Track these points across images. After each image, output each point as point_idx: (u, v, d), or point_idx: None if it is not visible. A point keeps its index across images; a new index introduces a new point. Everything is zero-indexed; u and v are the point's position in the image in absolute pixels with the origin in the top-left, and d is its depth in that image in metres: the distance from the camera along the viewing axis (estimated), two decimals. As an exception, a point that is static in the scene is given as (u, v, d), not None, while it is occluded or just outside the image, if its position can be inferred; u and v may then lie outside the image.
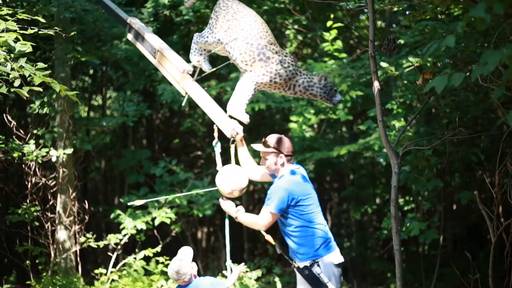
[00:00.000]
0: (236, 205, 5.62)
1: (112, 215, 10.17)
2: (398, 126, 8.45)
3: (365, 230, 12.14)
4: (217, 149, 5.92)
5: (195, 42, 6.24)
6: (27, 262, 9.58)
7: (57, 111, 9.92)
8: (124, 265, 9.76)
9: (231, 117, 5.83)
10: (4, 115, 9.60)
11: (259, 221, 5.43)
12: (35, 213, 9.64)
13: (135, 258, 9.80)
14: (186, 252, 5.55)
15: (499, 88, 3.90)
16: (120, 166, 11.49)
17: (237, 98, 5.83)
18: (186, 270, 5.44)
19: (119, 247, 9.99)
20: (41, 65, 5.89)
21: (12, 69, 5.80)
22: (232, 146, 5.86)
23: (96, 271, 9.60)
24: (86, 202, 10.14)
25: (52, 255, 9.87)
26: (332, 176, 12.54)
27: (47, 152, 9.52)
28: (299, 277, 5.47)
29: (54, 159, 9.57)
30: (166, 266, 9.68)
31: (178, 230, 10.42)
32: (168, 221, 9.68)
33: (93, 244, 9.67)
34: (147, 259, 9.42)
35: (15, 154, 9.23)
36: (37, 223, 9.82)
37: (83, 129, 10.65)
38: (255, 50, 5.74)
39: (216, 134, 5.95)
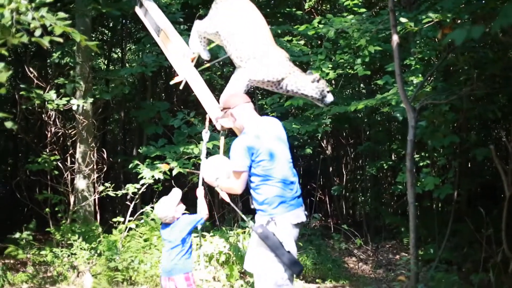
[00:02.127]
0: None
1: (130, 165, 10.28)
2: (416, 82, 8.44)
3: (380, 185, 12.23)
4: (205, 138, 6.05)
5: (195, 29, 6.25)
6: (47, 210, 9.75)
7: (78, 61, 10.00)
8: (141, 214, 9.88)
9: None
10: (24, 65, 9.70)
11: (234, 185, 5.44)
12: (54, 162, 9.78)
13: (152, 207, 9.93)
14: (170, 195, 5.83)
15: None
16: (139, 117, 11.59)
17: (229, 92, 5.88)
18: (167, 212, 5.77)
19: (136, 196, 10.11)
20: (61, 15, 5.89)
21: (33, 18, 5.84)
22: (222, 138, 6.01)
23: (114, 219, 9.74)
24: (104, 151, 10.27)
25: (71, 203, 10.03)
26: (349, 131, 12.59)
27: (68, 101, 9.61)
28: (254, 235, 5.38)
29: (74, 107, 9.66)
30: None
31: (195, 180, 10.52)
32: (185, 171, 9.77)
33: (111, 193, 9.80)
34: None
35: (37, 101, 9.33)
36: (56, 172, 9.97)
37: (103, 80, 10.72)
38: (250, 47, 5.77)
39: (207, 123, 6.06)
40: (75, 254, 8.75)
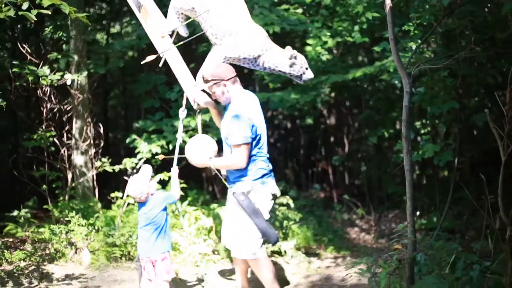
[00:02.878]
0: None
1: (127, 140, 10.17)
2: (415, 48, 8.28)
3: (382, 155, 12.07)
4: (181, 116, 6.05)
5: (172, 5, 6.14)
6: (44, 186, 9.64)
7: (71, 36, 9.84)
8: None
9: (203, 90, 5.92)
10: (17, 41, 9.54)
11: (238, 160, 5.43)
12: (50, 139, 9.65)
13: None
14: (141, 172, 5.80)
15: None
16: (136, 91, 11.45)
17: (205, 71, 5.82)
18: (141, 189, 5.71)
19: (134, 171, 10.00)
20: None
21: None
22: (199, 117, 6.01)
23: (113, 194, 9.65)
24: (101, 126, 10.14)
25: (69, 179, 9.92)
26: (350, 101, 12.41)
27: (62, 76, 9.46)
28: (233, 201, 5.55)
29: (69, 82, 9.49)
30: (181, 189, 9.69)
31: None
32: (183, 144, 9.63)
33: (108, 169, 9.69)
34: (162, 183, 9.41)
35: (30, 77, 9.18)
36: (53, 149, 9.85)
37: (102, 54, 10.55)
38: (225, 24, 5.67)
39: (184, 102, 5.96)
40: (72, 230, 8.65)
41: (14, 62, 9.19)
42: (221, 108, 5.97)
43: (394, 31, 5.68)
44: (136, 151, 9.83)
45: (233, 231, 5.65)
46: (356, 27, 9.58)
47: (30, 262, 8.11)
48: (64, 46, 9.97)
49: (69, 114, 10.06)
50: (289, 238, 8.61)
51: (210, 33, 5.80)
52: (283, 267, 8.00)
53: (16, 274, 7.63)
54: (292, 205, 8.94)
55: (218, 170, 5.67)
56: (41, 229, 8.93)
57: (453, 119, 8.56)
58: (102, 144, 10.18)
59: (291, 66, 5.64)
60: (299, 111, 12.56)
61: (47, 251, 8.49)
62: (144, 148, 9.66)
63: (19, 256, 8.09)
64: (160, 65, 6.24)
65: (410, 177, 5.77)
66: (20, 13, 5.72)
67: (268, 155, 5.63)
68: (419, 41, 8.37)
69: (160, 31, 6.12)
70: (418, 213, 9.61)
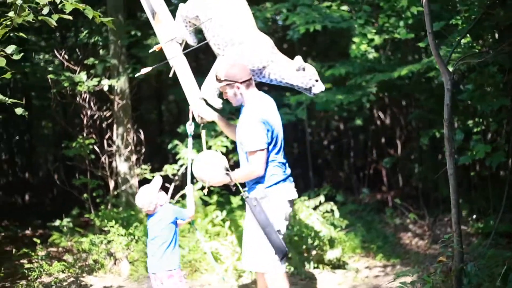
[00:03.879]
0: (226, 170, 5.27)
1: (169, 146, 9.93)
2: (464, 42, 7.79)
3: (436, 156, 11.54)
4: (189, 130, 5.67)
5: (179, 13, 5.88)
6: (85, 195, 9.48)
7: (109, 40, 9.66)
8: (182, 196, 9.52)
9: (205, 101, 5.61)
10: (54, 49, 9.39)
11: (255, 167, 5.09)
12: (90, 146, 9.47)
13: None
14: (151, 183, 5.51)
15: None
16: (176, 95, 11.21)
17: (209, 82, 5.53)
18: (149, 199, 5.41)
19: (176, 177, 9.75)
20: None
21: None
22: (203, 132, 5.64)
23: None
24: (141, 132, 9.93)
25: (111, 187, 9.74)
26: (400, 100, 11.91)
27: (99, 82, 9.27)
28: (248, 209, 5.22)
29: (106, 88, 9.32)
30: (221, 195, 9.43)
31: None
32: (224, 150, 9.34)
33: (148, 176, 9.44)
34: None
35: (66, 84, 9.02)
36: (93, 156, 9.67)
37: (138, 57, 10.33)
38: (228, 33, 5.37)
39: (191, 115, 5.63)
40: (112, 241, 8.42)
41: (50, 69, 9.04)
42: (233, 110, 5.63)
43: (432, 24, 5.29)
44: (177, 157, 9.57)
45: (245, 241, 5.32)
46: (401, 23, 9.11)
47: (69, 274, 7.92)
48: (101, 51, 9.77)
49: (109, 121, 9.87)
50: (335, 246, 8.21)
51: (212, 43, 5.51)
52: (329, 277, 7.64)
53: (53, 287, 7.43)
54: (336, 212, 8.53)
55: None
56: (82, 239, 8.77)
57: (504, 117, 8.03)
58: (143, 150, 9.96)
59: (299, 78, 5.31)
60: (349, 112, 12.14)
61: (87, 262, 8.29)
62: (186, 153, 9.40)
63: (58, 268, 7.90)
64: (170, 75, 5.95)
65: (454, 182, 5.35)
66: (39, 17, 5.52)
67: (284, 160, 5.24)
68: (468, 35, 7.88)
69: (170, 38, 5.83)
70: (474, 216, 9.08)
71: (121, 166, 9.89)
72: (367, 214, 10.27)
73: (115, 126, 9.82)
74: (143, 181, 9.74)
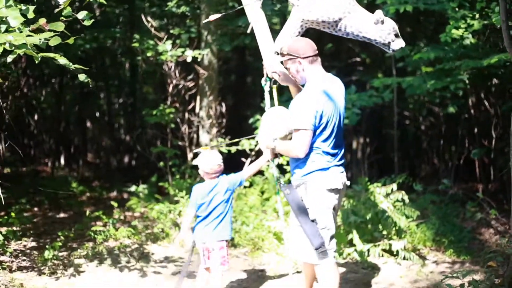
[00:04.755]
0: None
1: (250, 120, 9.84)
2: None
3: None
4: (266, 87, 5.44)
5: None
6: (161, 163, 9.55)
7: (198, 10, 9.63)
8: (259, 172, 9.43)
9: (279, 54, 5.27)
10: (142, 15, 9.42)
11: (294, 147, 4.84)
12: (171, 115, 9.51)
13: (268, 165, 9.44)
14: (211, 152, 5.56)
15: None
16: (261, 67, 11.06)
17: (282, 35, 5.26)
18: (216, 159, 5.48)
19: (252, 153, 9.66)
20: None
21: None
22: (274, 87, 5.42)
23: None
24: (223, 105, 9.87)
25: (189, 158, 9.77)
26: (497, 89, 11.29)
27: (183, 52, 9.27)
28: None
29: (189, 59, 9.31)
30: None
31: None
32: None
33: (223, 149, 9.38)
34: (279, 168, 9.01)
35: (149, 53, 9.07)
36: (173, 125, 9.71)
37: (225, 29, 10.24)
38: None
39: (265, 71, 5.39)
40: (180, 211, 8.45)
41: (136, 36, 9.10)
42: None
43: (506, 10, 4.93)
44: (255, 132, 9.48)
45: (290, 228, 5.13)
46: (497, 8, 8.59)
47: (135, 240, 7.99)
48: (187, 21, 9.75)
49: (193, 91, 9.88)
50: (404, 236, 7.90)
51: None
52: (393, 268, 7.36)
53: (116, 252, 7.51)
54: (407, 201, 8.18)
55: (276, 156, 5.17)
56: (155, 207, 8.85)
57: None
58: (224, 123, 9.91)
59: (377, 32, 4.98)
60: (442, 99, 11.66)
61: (153, 230, 8.35)
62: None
63: (124, 234, 7.99)
64: (248, 31, 5.78)
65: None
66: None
67: (334, 151, 4.93)
68: None
69: None
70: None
71: (203, 137, 9.89)
72: (446, 206, 9.81)
73: (198, 97, 9.81)
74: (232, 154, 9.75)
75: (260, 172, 9.45)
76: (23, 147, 15.02)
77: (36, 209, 10.13)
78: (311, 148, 4.86)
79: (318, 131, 4.83)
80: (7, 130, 11.77)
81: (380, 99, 10.21)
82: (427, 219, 8.70)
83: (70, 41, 5.39)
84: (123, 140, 16.62)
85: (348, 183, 5.16)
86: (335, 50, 13.33)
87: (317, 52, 5.01)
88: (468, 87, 10.45)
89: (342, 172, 5.05)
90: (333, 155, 4.96)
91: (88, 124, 17.22)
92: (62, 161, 15.22)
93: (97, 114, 16.84)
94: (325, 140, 4.87)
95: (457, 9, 9.35)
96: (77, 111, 16.07)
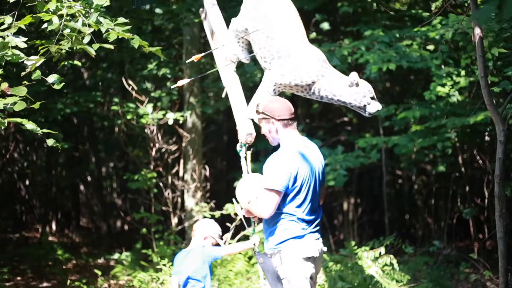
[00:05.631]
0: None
1: (235, 183, 9.63)
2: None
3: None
4: (242, 153, 5.21)
5: (231, 28, 5.56)
6: (144, 230, 9.34)
7: (177, 73, 9.56)
8: (245, 236, 9.19)
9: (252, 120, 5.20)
10: (122, 78, 9.34)
11: (260, 205, 4.53)
12: (154, 180, 9.33)
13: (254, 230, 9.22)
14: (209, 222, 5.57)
15: None
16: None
17: (255, 100, 5.14)
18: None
19: (238, 217, 9.44)
20: (121, 20, 5.44)
21: (84, 24, 5.38)
22: (248, 153, 5.20)
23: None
24: (207, 168, 9.70)
25: (173, 223, 9.56)
26: (483, 147, 11.13)
27: (164, 115, 9.15)
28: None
29: (170, 122, 9.19)
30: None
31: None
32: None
33: (207, 215, 9.16)
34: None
35: (129, 116, 8.97)
36: (155, 190, 9.53)
37: (207, 91, 10.17)
38: (274, 45, 4.99)
39: (240, 136, 5.23)
40: (159, 279, 8.19)
41: (115, 100, 9.01)
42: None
43: (484, 67, 4.78)
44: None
45: None
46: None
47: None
48: (168, 83, 9.66)
49: (176, 155, 9.73)
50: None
51: (259, 56, 5.16)
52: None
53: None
54: (396, 266, 7.92)
55: (247, 220, 4.98)
56: (140, 274, 8.61)
57: None
58: (208, 187, 9.73)
59: (352, 95, 4.82)
60: (428, 157, 11.51)
61: (136, 300, 8.10)
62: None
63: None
64: (223, 95, 5.63)
65: (503, 247, 4.79)
66: (78, 46, 5.38)
67: (310, 217, 4.67)
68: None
69: (224, 56, 5.52)
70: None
71: (188, 201, 9.70)
72: (438, 268, 9.54)
73: (181, 160, 9.65)
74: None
75: (247, 237, 9.21)
76: (14, 213, 14.86)
77: (19, 278, 9.87)
78: (284, 215, 4.61)
79: (291, 195, 4.58)
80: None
81: (367, 160, 10.05)
82: (419, 283, 8.42)
83: (36, 106, 5.21)
84: (115, 204, 16.45)
85: (325, 249, 4.92)
86: (323, 110, 13.22)
87: (293, 116, 4.79)
88: (458, 145, 10.27)
89: (318, 238, 4.80)
90: (308, 222, 4.69)
91: (82, 187, 17.07)
92: (54, 226, 15.00)
93: (89, 178, 16.68)
94: (299, 206, 4.61)
95: (443, 66, 9.27)
96: (68, 175, 15.94)
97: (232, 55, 5.49)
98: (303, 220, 4.60)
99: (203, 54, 5.49)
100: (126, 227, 15.71)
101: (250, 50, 5.55)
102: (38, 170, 14.93)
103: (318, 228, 4.78)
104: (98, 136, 15.06)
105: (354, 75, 4.84)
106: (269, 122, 4.75)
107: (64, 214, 15.76)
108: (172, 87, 5.64)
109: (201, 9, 6.27)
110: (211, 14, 5.87)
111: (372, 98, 4.84)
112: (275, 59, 5.00)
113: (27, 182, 14.95)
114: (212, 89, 10.18)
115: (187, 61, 5.72)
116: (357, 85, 4.79)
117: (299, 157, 4.61)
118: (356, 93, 4.79)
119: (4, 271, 9.57)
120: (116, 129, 13.81)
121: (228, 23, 5.70)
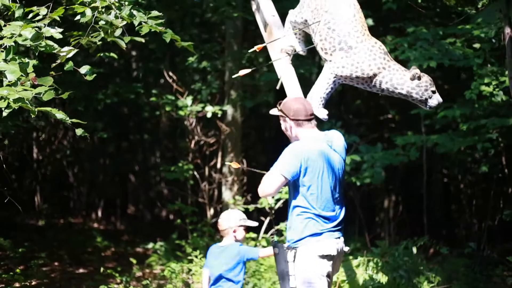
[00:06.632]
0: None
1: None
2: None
3: None
4: None
5: (288, 19, 5.55)
6: (178, 221, 9.41)
7: (221, 66, 9.57)
8: (277, 231, 9.18)
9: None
10: (164, 70, 9.42)
11: (263, 182, 4.51)
12: (190, 172, 9.39)
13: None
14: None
15: None
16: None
17: (314, 91, 5.11)
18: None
19: (272, 211, 9.43)
20: (155, 13, 5.51)
21: (116, 17, 5.45)
22: None
23: (247, 235, 9.13)
24: (244, 162, 9.72)
25: (209, 215, 9.61)
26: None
27: (203, 108, 9.19)
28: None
29: (209, 115, 9.22)
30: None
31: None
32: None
33: (240, 208, 9.18)
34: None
35: (167, 108, 9.02)
36: (191, 182, 9.60)
37: (247, 86, 10.15)
38: (336, 37, 4.94)
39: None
40: (190, 270, 8.24)
41: (153, 91, 9.07)
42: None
43: None
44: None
45: None
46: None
47: (144, 301, 7.82)
48: (209, 77, 9.67)
49: (214, 147, 9.77)
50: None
51: (319, 48, 5.10)
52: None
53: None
54: (425, 264, 7.83)
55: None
56: (172, 264, 8.68)
57: None
58: (245, 180, 9.74)
59: (414, 88, 4.79)
60: (471, 157, 11.33)
61: (166, 289, 8.17)
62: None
63: (131, 294, 7.84)
64: (278, 87, 5.62)
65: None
66: (109, 39, 5.45)
67: (329, 213, 4.62)
68: None
69: (279, 48, 5.51)
70: None
71: (225, 194, 9.74)
72: (473, 270, 9.36)
73: (219, 153, 9.68)
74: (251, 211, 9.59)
75: (280, 232, 9.20)
76: (62, 199, 15.13)
77: (56, 263, 10.04)
78: (302, 209, 4.59)
79: (304, 189, 4.56)
80: (47, 183, 11.90)
81: (406, 158, 9.91)
82: (450, 284, 8.30)
83: (64, 96, 5.30)
84: (162, 194, 16.62)
85: (346, 249, 4.86)
86: (364, 106, 13.11)
87: (309, 117, 4.76)
88: (502, 145, 10.08)
89: (338, 237, 4.75)
90: (327, 219, 4.66)
91: (131, 176, 17.29)
92: (100, 213, 15.24)
93: (136, 168, 16.89)
94: (315, 200, 4.57)
95: (489, 65, 9.10)
96: (116, 164, 16.15)
97: (288, 47, 5.48)
98: (320, 216, 4.55)
99: (249, 70, 5.45)
100: (171, 216, 15.87)
101: (306, 42, 5.56)
102: (86, 158, 15.16)
103: (339, 227, 4.72)
104: (145, 127, 15.21)
105: (415, 68, 4.84)
106: (285, 120, 4.76)
107: (110, 202, 15.99)
108: (233, 76, 5.65)
109: (252, 1, 6.27)
110: (264, 6, 5.85)
111: (433, 91, 4.82)
112: (336, 51, 4.96)
113: (75, 170, 15.17)
114: (255, 83, 10.15)
115: (234, 76, 5.71)
116: (419, 78, 4.76)
117: (313, 148, 4.58)
118: (418, 86, 4.77)
119: (42, 256, 9.73)
120: (163, 119, 14.02)
121: (279, 14, 5.72)
